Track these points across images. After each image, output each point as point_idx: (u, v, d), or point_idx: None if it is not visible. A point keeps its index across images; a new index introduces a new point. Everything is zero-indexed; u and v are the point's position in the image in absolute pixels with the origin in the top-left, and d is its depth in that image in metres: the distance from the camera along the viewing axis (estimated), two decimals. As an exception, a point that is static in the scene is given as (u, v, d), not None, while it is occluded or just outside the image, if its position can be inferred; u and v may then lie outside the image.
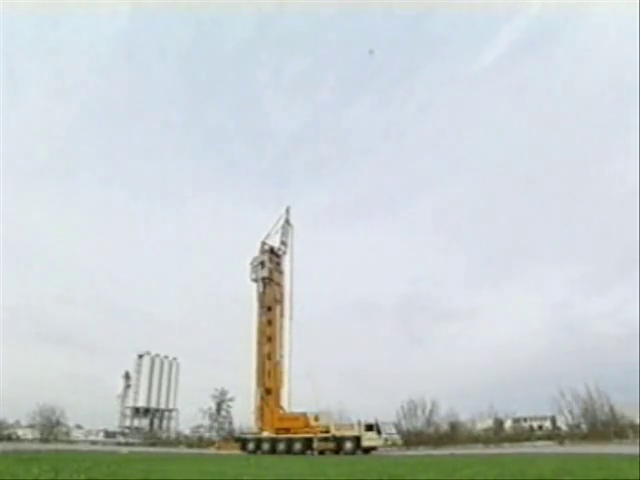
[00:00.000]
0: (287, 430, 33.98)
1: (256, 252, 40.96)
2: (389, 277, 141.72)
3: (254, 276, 40.07)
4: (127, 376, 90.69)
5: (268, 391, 36.17)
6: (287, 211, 42.16)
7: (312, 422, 33.52)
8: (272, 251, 40.59)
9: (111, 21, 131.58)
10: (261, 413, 36.03)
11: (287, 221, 41.83)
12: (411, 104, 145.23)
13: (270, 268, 39.52)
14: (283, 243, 41.04)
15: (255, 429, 37.06)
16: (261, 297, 39.03)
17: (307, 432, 32.93)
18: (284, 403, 36.59)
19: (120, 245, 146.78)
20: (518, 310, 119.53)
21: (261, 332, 37.87)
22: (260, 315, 38.49)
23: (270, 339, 37.57)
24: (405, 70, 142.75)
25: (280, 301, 39.20)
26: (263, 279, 39.27)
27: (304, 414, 34.48)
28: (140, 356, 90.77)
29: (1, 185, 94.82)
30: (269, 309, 38.52)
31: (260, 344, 37.57)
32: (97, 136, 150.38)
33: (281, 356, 37.24)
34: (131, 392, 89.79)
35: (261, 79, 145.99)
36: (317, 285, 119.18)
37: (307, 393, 37.16)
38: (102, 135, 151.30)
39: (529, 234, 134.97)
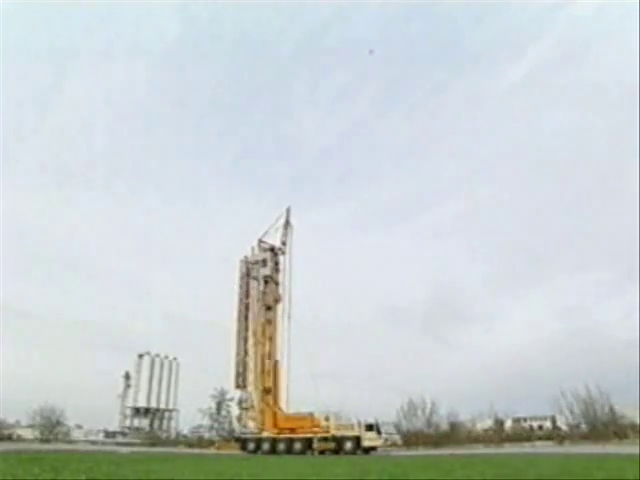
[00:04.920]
0: (292, 430, 33.85)
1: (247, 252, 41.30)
2: (410, 282, 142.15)
3: (242, 274, 40.30)
4: (127, 376, 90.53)
5: (267, 391, 36.14)
6: (287, 211, 42.12)
7: (322, 422, 33.10)
8: (272, 250, 40.62)
9: (160, 32, 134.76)
10: (261, 413, 36.01)
11: (287, 221, 41.80)
12: (438, 118, 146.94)
13: (271, 267, 39.57)
14: (284, 243, 41.04)
15: (243, 428, 37.14)
16: (261, 296, 39.03)
17: (307, 432, 32.91)
18: (282, 403, 36.58)
19: (131, 245, 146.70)
20: (530, 315, 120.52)
21: (261, 332, 37.86)
22: (259, 314, 38.49)
23: (270, 339, 37.58)
24: (436, 84, 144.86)
25: (279, 300, 39.21)
26: (264, 277, 39.29)
27: (311, 414, 34.30)
28: (140, 356, 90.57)
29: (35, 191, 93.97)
30: (269, 308, 38.52)
31: (260, 344, 37.56)
32: (136, 142, 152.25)
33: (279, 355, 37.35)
34: (131, 392, 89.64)
35: (299, 93, 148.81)
36: (340, 289, 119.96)
37: (306, 393, 37.26)
38: (141, 141, 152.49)
39: (547, 241, 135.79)
